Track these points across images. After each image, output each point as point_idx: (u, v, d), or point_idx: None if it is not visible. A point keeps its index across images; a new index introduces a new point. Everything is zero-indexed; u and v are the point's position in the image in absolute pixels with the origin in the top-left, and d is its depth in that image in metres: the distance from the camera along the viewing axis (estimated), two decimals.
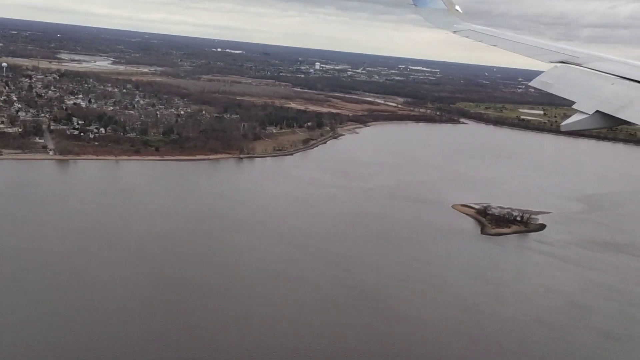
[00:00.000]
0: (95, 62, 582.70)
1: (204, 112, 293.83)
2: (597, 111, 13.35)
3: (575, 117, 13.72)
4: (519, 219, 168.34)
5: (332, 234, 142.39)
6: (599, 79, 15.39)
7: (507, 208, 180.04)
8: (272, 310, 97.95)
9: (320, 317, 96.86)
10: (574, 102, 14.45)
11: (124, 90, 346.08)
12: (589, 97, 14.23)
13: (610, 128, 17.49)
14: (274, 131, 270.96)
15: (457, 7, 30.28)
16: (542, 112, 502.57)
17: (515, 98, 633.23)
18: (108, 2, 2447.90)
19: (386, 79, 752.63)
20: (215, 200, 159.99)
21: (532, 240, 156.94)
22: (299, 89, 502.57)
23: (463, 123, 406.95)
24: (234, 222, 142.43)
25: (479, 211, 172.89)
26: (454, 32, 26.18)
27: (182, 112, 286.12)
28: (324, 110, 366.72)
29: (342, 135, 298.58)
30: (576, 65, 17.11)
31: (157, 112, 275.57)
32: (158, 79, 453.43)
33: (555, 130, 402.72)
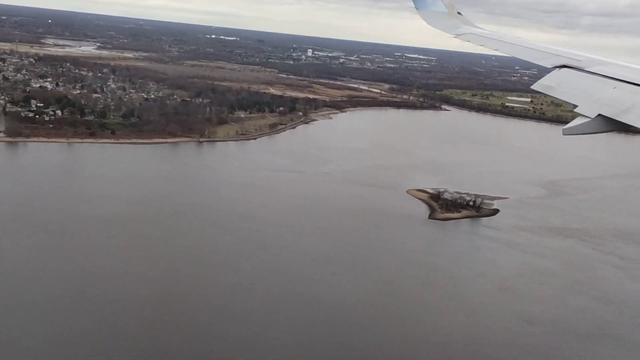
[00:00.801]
0: (80, 47, 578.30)
1: (175, 96, 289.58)
2: (599, 115, 13.32)
3: (577, 121, 13.59)
4: (471, 203, 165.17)
5: (272, 218, 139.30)
6: (600, 83, 15.38)
7: (464, 193, 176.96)
8: (175, 293, 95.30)
9: (224, 302, 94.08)
10: (576, 106, 14.38)
11: (100, 75, 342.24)
12: (591, 101, 14.25)
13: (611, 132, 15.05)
14: (243, 115, 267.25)
15: (459, 11, 30.36)
16: (529, 100, 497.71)
17: (507, 86, 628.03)
18: None
19: (378, 66, 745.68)
20: (159, 184, 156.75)
21: (481, 225, 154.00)
22: (284, 75, 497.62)
23: (445, 110, 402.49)
24: (172, 206, 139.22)
25: (432, 196, 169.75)
26: (456, 35, 26.28)
27: (152, 96, 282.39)
28: (303, 95, 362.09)
29: (314, 120, 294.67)
30: (578, 69, 17.10)
31: (127, 96, 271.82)
32: (139, 63, 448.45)
33: (538, 117, 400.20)
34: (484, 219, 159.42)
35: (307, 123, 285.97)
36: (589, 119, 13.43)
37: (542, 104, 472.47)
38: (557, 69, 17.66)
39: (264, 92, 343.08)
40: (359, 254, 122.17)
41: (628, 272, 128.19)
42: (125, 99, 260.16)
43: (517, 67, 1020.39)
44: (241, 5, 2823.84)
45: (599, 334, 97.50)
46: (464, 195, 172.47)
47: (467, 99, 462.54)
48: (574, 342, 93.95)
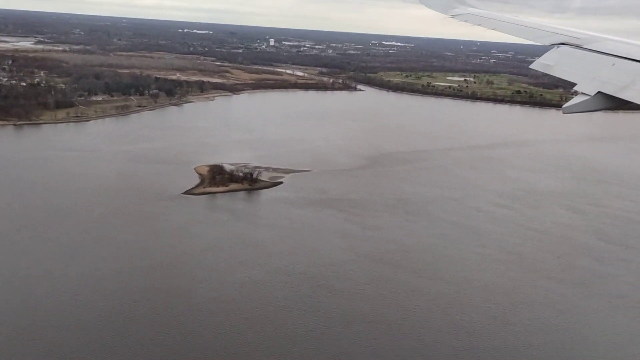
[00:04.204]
0: (17, 42, 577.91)
1: (43, 82, 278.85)
2: (599, 92, 13.07)
3: (577, 99, 13.29)
4: (249, 177, 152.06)
5: None
6: (599, 60, 15.03)
7: (264, 167, 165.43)
8: None
9: None
10: (574, 84, 14.24)
11: None
12: (590, 79, 14.05)
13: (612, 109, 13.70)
14: (101, 99, 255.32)
15: None
16: (462, 79, 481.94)
17: (456, 67, 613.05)
18: None
19: (337, 53, 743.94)
20: None
21: (239, 199, 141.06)
22: (218, 63, 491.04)
23: (359, 90, 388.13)
24: None
25: (213, 171, 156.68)
26: (452, 16, 25.77)
27: (24, 83, 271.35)
28: (212, 79, 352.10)
29: (189, 102, 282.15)
30: (576, 47, 16.71)
31: None
32: (58, 55, 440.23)
33: (454, 94, 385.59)
34: (257, 191, 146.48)
35: (178, 105, 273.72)
36: (589, 97, 13.02)
37: (474, 82, 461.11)
38: (556, 47, 17.15)
39: (158, 77, 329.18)
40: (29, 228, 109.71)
41: (352, 242, 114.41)
42: None
43: (493, 51, 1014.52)
44: (236, 1, 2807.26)
45: (206, 307, 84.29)
46: (260, 169, 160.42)
47: (398, 80, 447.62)
48: (180, 315, 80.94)
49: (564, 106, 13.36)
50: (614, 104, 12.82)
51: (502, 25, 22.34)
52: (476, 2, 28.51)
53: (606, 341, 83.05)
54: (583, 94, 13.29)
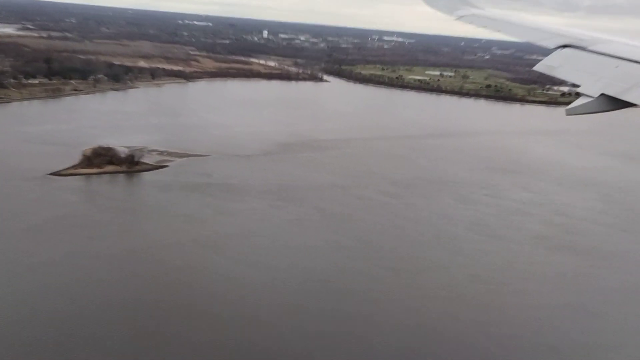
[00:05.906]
0: (1, 29, 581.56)
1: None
2: (602, 94, 12.98)
3: (580, 101, 13.07)
4: (130, 159, 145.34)
5: None
6: (603, 62, 15.00)
7: (160, 150, 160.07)
8: None
9: None
10: (578, 86, 14.08)
11: None
12: (593, 80, 13.93)
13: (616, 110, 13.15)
14: (37, 82, 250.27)
15: None
16: (450, 74, 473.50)
17: (442, 62, 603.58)
18: None
19: (329, 46, 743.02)
20: None
21: (107, 181, 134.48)
22: (194, 52, 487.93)
23: (325, 81, 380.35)
24: None
25: (97, 152, 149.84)
26: (457, 18, 25.71)
27: None
28: (174, 67, 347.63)
29: (134, 88, 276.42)
30: (581, 48, 16.66)
31: None
32: (29, 40, 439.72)
33: (419, 87, 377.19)
34: (135, 174, 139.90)
35: (120, 90, 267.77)
36: (592, 99, 12.88)
37: (451, 76, 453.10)
38: (560, 48, 17.09)
39: (113, 63, 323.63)
40: None
41: (190, 226, 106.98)
42: None
43: (493, 48, 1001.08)
44: None
45: None
46: (153, 152, 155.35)
47: (369, 72, 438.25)
48: None
49: (567, 108, 12.89)
50: (617, 105, 12.63)
51: (507, 27, 22.31)
52: (484, 0, 28.40)
53: (394, 330, 75.28)
54: (586, 95, 13.08)
